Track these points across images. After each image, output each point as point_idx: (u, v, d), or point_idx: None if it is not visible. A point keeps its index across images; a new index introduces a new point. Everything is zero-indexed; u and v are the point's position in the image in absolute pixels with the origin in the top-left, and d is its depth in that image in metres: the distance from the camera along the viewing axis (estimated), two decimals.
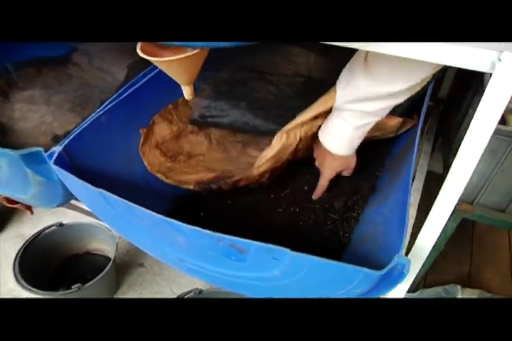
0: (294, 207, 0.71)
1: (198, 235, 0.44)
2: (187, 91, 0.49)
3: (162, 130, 0.73)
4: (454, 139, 0.86)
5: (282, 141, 0.61)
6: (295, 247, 0.40)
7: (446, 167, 0.85)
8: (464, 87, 0.89)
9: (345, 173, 0.68)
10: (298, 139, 0.63)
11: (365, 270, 0.39)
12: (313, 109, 0.60)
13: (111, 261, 1.02)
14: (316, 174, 0.71)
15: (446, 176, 0.40)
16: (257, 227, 0.67)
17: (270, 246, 0.41)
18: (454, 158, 0.39)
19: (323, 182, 0.68)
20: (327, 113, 0.61)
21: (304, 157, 0.71)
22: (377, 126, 0.62)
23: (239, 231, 0.43)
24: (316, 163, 0.69)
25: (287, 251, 0.40)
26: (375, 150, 0.75)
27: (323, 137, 0.63)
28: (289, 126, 0.61)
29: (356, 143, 0.61)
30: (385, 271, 0.39)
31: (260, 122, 0.73)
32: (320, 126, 0.62)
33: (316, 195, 0.71)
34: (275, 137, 0.61)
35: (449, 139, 0.90)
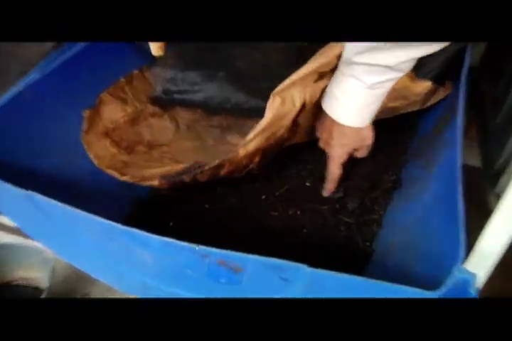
0: (294, 210, 0.68)
1: (173, 250, 0.42)
2: (155, 44, 0.44)
3: (113, 112, 0.70)
4: (491, 122, 0.83)
5: (275, 106, 0.55)
6: (300, 261, 0.38)
7: (486, 158, 0.82)
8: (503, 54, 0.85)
9: (360, 154, 0.63)
10: (298, 106, 0.57)
11: (415, 290, 0.36)
12: (317, 60, 0.55)
13: (44, 293, 0.94)
14: (322, 164, 0.68)
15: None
16: (246, 238, 0.64)
17: (278, 261, 0.38)
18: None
19: (333, 169, 0.63)
20: (333, 71, 0.56)
21: (307, 140, 0.67)
22: (400, 93, 0.58)
23: (221, 244, 0.41)
24: (321, 143, 0.64)
25: (303, 267, 0.37)
26: (398, 130, 0.73)
27: (328, 103, 0.58)
28: (282, 86, 0.55)
29: (371, 110, 0.56)
30: (443, 290, 0.36)
31: (243, 98, 0.70)
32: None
33: (328, 189, 0.67)
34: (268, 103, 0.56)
35: (485, 123, 0.85)
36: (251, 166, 0.62)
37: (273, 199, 0.70)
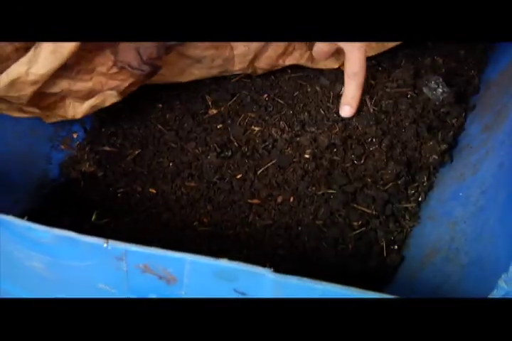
0: (285, 196, 0.69)
1: (72, 251, 0.44)
2: None
3: None
4: None
5: None
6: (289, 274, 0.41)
7: None
8: None
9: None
10: None
11: None
12: None
13: None
14: (328, 121, 0.73)
15: None
16: (210, 238, 0.67)
17: (230, 265, 0.41)
18: None
19: (359, 63, 0.68)
20: None
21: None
22: None
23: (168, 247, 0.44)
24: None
25: (266, 273, 0.40)
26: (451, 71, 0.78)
27: None
28: None
29: None
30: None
31: None
32: None
33: (348, 104, 0.72)
34: None
35: None
36: None
37: (253, 179, 0.71)
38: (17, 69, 0.58)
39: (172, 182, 0.72)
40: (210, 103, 0.78)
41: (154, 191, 0.72)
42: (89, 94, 0.67)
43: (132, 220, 0.69)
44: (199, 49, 0.70)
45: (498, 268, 0.43)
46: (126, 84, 0.67)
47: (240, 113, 0.77)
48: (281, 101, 0.76)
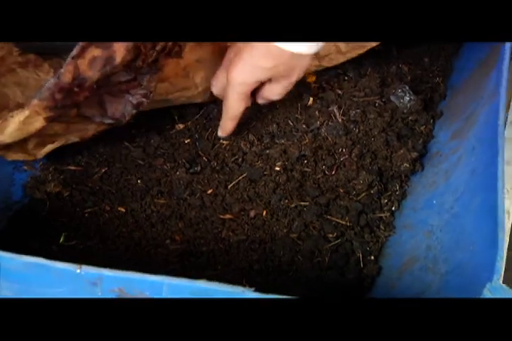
0: (257, 210, 0.68)
1: (43, 278, 0.43)
2: None
3: None
4: None
5: None
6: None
7: None
8: None
9: (272, 90, 0.68)
10: None
11: None
12: None
13: None
14: (304, 136, 0.73)
15: None
16: (180, 258, 0.66)
17: (207, 285, 0.41)
18: None
19: (232, 101, 0.67)
20: None
21: None
22: None
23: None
24: (222, 67, 0.70)
25: (247, 291, 0.41)
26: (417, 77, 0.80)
27: None
28: None
29: None
30: None
31: None
32: None
33: (224, 128, 0.72)
34: None
35: None
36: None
37: (224, 194, 0.71)
38: None
39: (141, 200, 0.70)
40: (176, 118, 0.78)
41: (123, 209, 0.70)
42: (52, 137, 0.67)
43: (102, 240, 0.67)
44: (163, 95, 0.71)
45: (479, 276, 0.43)
46: (90, 133, 0.68)
47: (207, 127, 0.76)
48: (249, 114, 0.76)
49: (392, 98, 0.73)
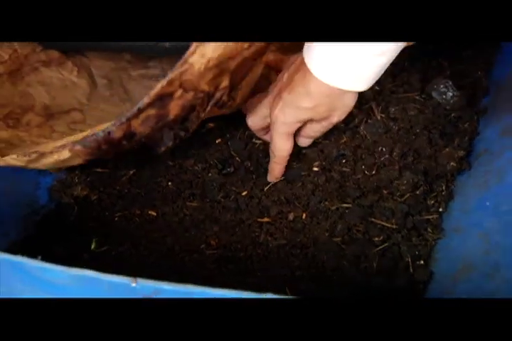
0: (296, 213, 0.67)
1: (95, 290, 0.42)
2: None
3: None
4: None
5: None
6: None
7: None
8: None
9: (314, 130, 0.66)
10: None
11: None
12: None
13: None
14: (344, 135, 0.71)
15: None
16: (217, 263, 0.65)
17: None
18: None
19: (278, 141, 0.66)
20: None
21: None
22: None
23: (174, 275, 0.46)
24: (265, 100, 0.67)
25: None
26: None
27: (311, 49, 0.59)
28: None
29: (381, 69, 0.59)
30: None
31: None
32: None
33: (273, 172, 0.70)
34: None
35: None
36: (217, 95, 0.60)
37: (260, 196, 0.69)
38: None
39: (173, 203, 0.69)
40: None
41: (154, 213, 0.69)
42: None
43: (133, 246, 0.66)
44: None
45: None
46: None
47: (238, 126, 0.74)
48: None
49: (434, 94, 0.70)
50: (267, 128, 0.68)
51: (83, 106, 0.74)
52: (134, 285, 0.40)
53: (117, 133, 0.56)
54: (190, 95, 0.57)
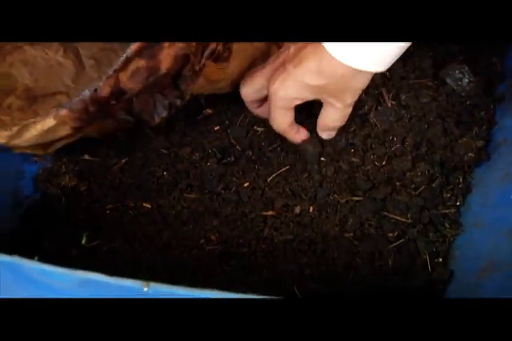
0: (303, 205, 0.65)
1: (102, 295, 0.39)
2: None
3: None
4: None
5: None
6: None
7: None
8: None
9: (331, 113, 0.63)
10: None
11: None
12: None
13: None
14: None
15: None
16: (221, 258, 0.63)
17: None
18: None
19: (271, 115, 0.63)
20: None
21: None
22: None
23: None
24: (265, 71, 0.64)
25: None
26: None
27: None
28: None
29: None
30: None
31: None
32: None
33: (296, 140, 0.67)
34: None
35: None
36: (212, 44, 0.58)
37: (263, 188, 0.67)
38: None
39: (169, 195, 0.67)
40: (202, 101, 0.72)
41: (149, 206, 0.67)
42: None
43: (127, 241, 0.64)
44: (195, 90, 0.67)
45: None
46: (111, 129, 0.65)
47: (239, 112, 0.71)
48: None
49: (449, 80, 0.67)
50: (261, 102, 0.65)
51: (69, 89, 0.72)
52: (146, 289, 0.38)
53: (105, 90, 0.55)
54: (181, 43, 0.55)
